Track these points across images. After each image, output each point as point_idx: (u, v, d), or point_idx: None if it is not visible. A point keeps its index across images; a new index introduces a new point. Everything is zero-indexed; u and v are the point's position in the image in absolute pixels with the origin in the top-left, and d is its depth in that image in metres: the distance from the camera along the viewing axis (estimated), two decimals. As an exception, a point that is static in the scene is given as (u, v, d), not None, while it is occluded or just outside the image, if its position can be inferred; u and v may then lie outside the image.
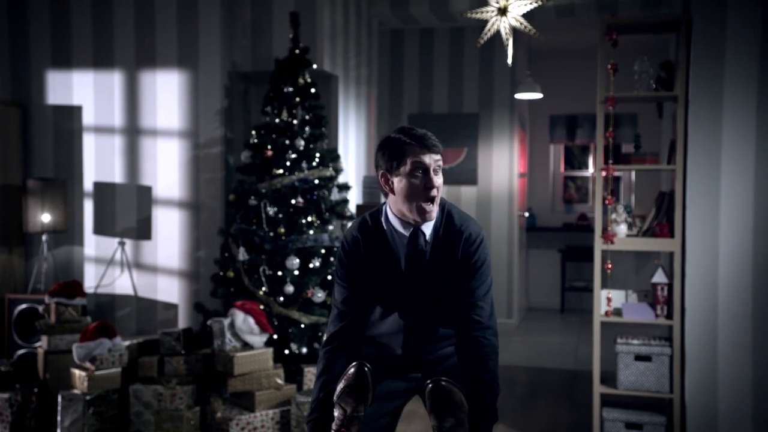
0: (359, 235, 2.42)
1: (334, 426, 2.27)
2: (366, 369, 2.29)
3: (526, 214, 8.57)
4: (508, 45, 5.03)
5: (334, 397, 2.29)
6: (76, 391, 4.06)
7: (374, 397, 2.37)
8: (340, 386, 2.29)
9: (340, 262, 2.45)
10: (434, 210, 2.34)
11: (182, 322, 5.30)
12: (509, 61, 5.16)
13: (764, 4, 3.56)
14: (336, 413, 2.27)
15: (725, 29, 3.66)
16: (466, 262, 2.33)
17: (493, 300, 2.40)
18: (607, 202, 3.90)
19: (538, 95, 7.32)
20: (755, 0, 3.58)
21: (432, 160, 2.30)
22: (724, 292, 3.69)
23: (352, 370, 2.30)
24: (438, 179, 2.31)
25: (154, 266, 5.38)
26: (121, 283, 5.43)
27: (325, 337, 2.46)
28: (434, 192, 2.30)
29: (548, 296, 9.11)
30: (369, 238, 2.41)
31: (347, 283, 2.42)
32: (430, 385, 2.23)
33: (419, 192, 2.29)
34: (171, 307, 5.34)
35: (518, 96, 7.31)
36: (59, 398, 4.02)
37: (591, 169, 9.35)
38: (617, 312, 4.00)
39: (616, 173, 4.07)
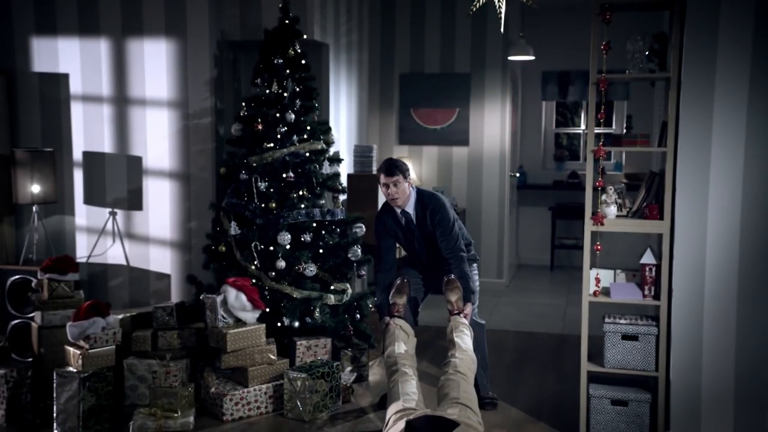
0: (383, 215, 4.37)
1: (392, 309, 4.10)
2: (406, 280, 4.21)
3: (517, 175, 8.57)
4: (500, 14, 4.96)
5: (390, 296, 4.14)
6: (71, 369, 4.11)
7: (409, 293, 4.23)
8: (392, 290, 4.15)
9: (377, 230, 4.39)
10: (398, 201, 4.21)
11: (175, 293, 5.34)
12: (502, 29, 5.10)
13: (759, -14, 3.51)
14: (390, 301, 4.13)
15: (719, 10, 3.61)
16: (434, 221, 4.24)
17: (458, 234, 4.25)
18: (597, 184, 3.90)
19: (531, 57, 7.24)
20: (750, -18, 3.52)
21: (390, 180, 4.16)
22: (710, 274, 3.73)
23: (399, 281, 4.19)
24: (394, 189, 4.17)
25: (146, 236, 5.39)
26: (113, 253, 5.44)
27: (377, 268, 4.41)
28: (389, 197, 4.22)
29: (538, 253, 9.18)
30: (387, 217, 4.35)
31: (384, 241, 4.37)
32: (446, 278, 4.15)
33: (385, 196, 4.26)
34: (163, 278, 5.37)
35: (511, 58, 7.24)
36: (54, 375, 4.06)
37: (583, 126, 9.32)
38: (605, 291, 4.05)
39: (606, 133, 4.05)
